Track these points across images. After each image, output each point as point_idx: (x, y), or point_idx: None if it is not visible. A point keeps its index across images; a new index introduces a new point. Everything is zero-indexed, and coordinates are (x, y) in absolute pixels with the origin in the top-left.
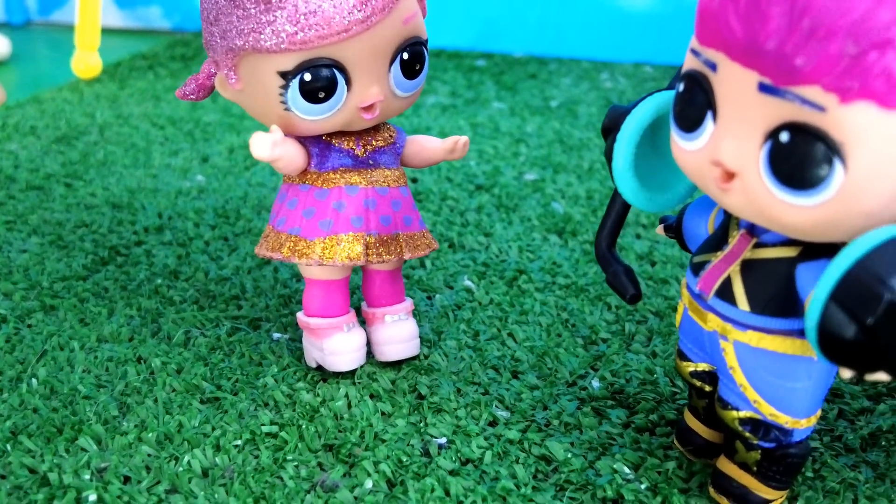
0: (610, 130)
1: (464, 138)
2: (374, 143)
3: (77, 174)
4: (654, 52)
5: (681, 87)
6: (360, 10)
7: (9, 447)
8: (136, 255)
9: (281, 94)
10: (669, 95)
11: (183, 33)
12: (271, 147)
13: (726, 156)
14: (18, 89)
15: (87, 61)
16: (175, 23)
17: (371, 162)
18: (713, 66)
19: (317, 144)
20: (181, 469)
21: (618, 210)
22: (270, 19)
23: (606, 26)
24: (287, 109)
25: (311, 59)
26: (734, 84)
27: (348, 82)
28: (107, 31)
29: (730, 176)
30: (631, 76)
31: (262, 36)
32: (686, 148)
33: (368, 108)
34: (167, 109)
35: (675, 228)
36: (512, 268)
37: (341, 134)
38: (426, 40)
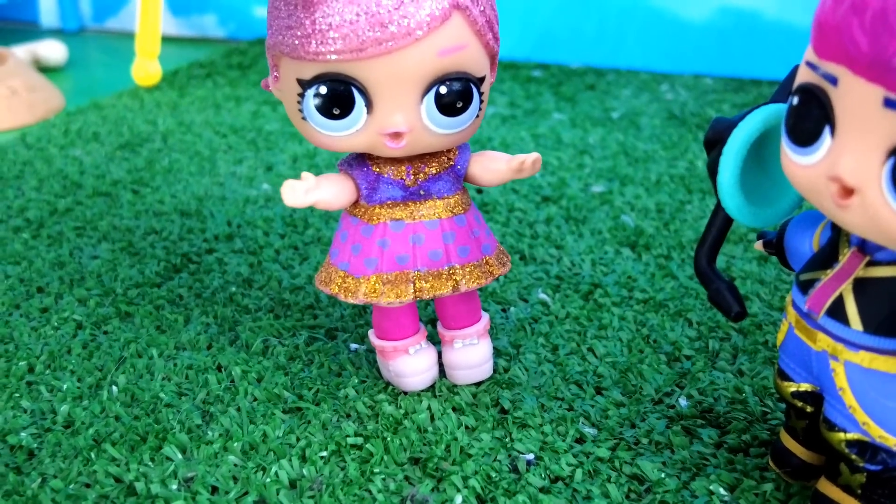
0: (714, 143)
1: (532, 157)
2: (426, 170)
3: (143, 181)
4: (713, 64)
5: (795, 100)
6: (378, 31)
7: (93, 455)
8: (209, 262)
9: (299, 102)
10: (777, 108)
11: (238, 42)
12: (303, 195)
13: (846, 171)
14: (76, 95)
15: (147, 69)
16: (230, 31)
17: (422, 192)
18: (833, 80)
19: (366, 178)
20: (269, 480)
21: (719, 225)
22: (293, 24)
23: (665, 37)
24: (304, 119)
25: (329, 72)
26: (856, 99)
27: (369, 104)
28: (162, 39)
29: (849, 192)
30: (692, 88)
31: (285, 39)
32: (800, 163)
33: (393, 137)
34: (228, 118)
35: (775, 244)
36: (586, 281)
37: (391, 162)
38: (479, 78)
